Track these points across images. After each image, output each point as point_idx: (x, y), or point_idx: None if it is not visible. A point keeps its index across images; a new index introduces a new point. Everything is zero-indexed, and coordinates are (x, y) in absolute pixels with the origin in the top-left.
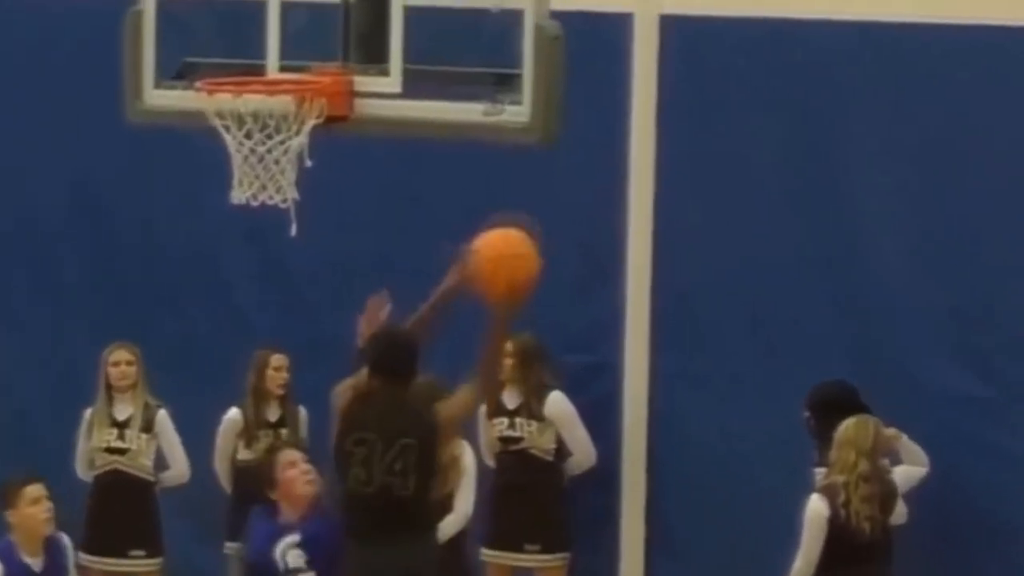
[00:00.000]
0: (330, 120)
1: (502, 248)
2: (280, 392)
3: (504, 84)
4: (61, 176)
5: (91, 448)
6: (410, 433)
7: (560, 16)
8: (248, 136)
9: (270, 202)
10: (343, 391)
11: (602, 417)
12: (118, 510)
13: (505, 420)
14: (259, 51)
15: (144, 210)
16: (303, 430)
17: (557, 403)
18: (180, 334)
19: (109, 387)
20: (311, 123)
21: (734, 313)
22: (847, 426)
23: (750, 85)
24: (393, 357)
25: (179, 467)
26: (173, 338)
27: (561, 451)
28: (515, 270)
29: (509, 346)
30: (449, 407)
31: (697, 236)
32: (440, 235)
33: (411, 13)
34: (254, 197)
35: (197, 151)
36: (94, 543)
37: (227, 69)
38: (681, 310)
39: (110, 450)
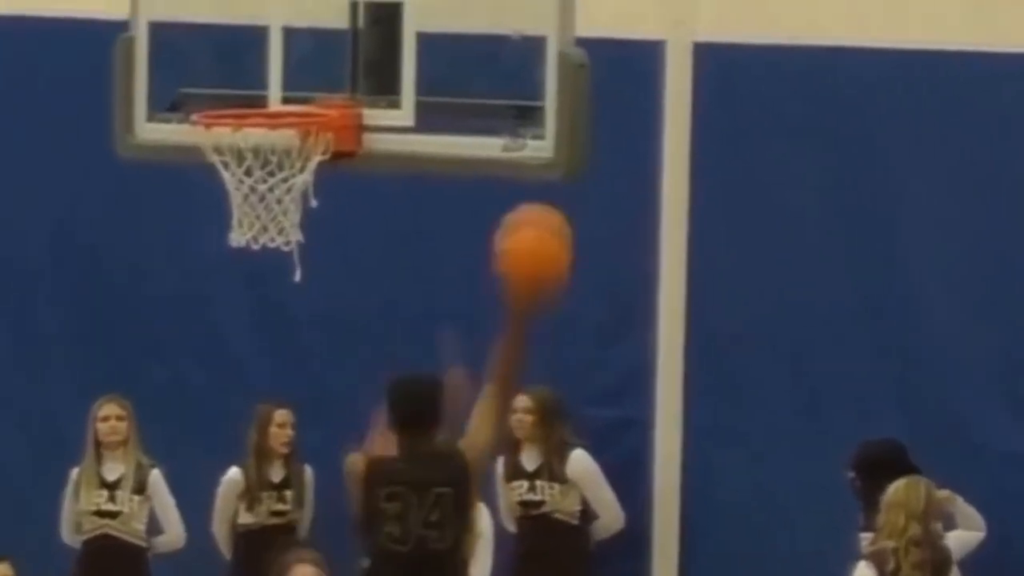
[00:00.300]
0: (337, 156)
1: (532, 247)
2: (284, 450)
3: (525, 117)
4: (43, 214)
5: (78, 511)
6: (443, 481)
7: (586, 43)
8: (248, 173)
9: (272, 245)
10: (356, 460)
11: (630, 476)
12: None
13: (524, 483)
14: (260, 81)
15: (133, 251)
16: (308, 491)
17: (580, 462)
18: (171, 387)
19: (98, 444)
20: (316, 159)
21: (772, 362)
22: (896, 488)
23: (790, 117)
24: (416, 406)
25: (174, 531)
26: (164, 391)
27: (586, 514)
28: (542, 273)
29: (527, 402)
30: (472, 440)
31: (732, 278)
32: (454, 281)
33: (425, 40)
34: (255, 239)
35: (191, 188)
36: None
37: (226, 100)
38: (715, 359)
39: (100, 513)
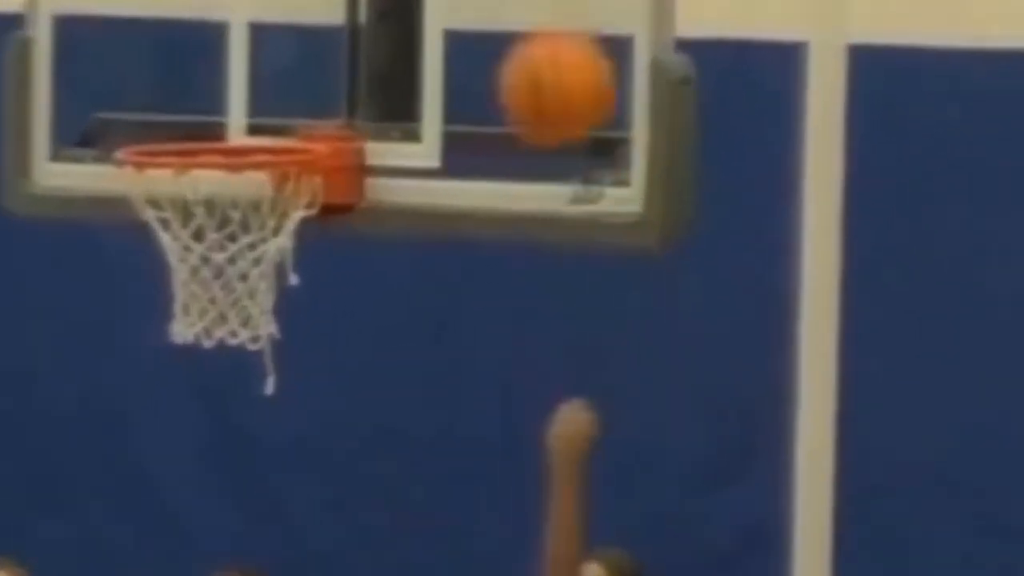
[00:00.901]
0: (327, 211)
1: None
2: None
3: (602, 153)
4: None
5: None
6: None
7: (693, 47)
8: (199, 237)
9: (233, 341)
10: None
11: None
12: None
13: None
14: (216, 102)
15: (23, 351)
16: None
17: None
18: (82, 548)
19: None
20: (298, 216)
21: (950, 513)
22: None
23: (973, 140)
24: None
25: None
26: (69, 553)
27: None
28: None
29: (597, 571)
30: None
31: (897, 388)
32: (487, 393)
33: (455, 42)
34: (207, 333)
35: (113, 258)
36: None
37: (165, 130)
38: (872, 508)
39: None
